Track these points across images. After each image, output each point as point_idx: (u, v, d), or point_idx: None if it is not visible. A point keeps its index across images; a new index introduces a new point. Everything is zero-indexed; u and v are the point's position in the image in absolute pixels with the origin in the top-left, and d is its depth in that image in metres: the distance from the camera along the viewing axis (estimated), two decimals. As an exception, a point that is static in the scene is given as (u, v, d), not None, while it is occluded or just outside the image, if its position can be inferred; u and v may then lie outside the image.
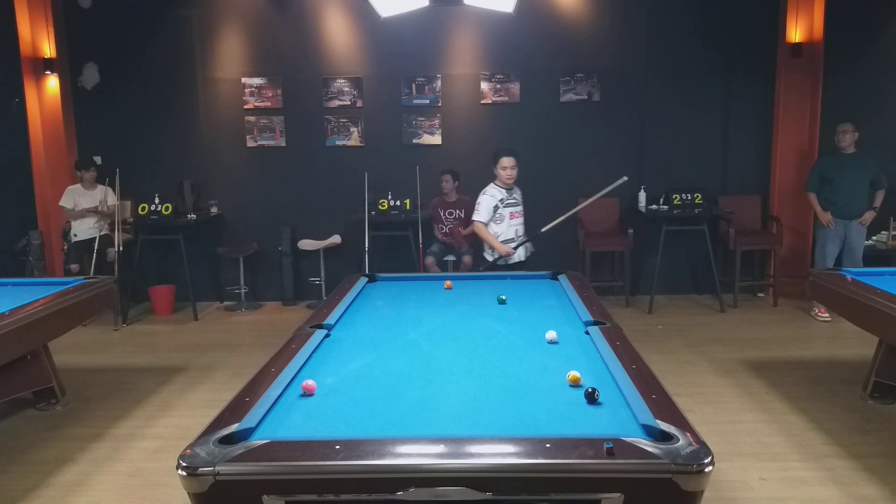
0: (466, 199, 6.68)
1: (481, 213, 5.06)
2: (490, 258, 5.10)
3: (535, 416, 2.24)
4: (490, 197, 5.06)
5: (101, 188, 6.56)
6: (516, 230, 5.10)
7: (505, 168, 5.01)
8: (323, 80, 7.00)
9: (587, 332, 3.16)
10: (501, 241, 5.01)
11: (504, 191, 5.07)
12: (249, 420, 2.15)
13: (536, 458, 1.89)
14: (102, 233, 6.49)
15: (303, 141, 7.09)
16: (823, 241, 6.16)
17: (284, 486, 1.91)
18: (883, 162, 6.16)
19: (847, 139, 6.02)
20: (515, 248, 5.01)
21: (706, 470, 1.84)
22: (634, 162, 7.03)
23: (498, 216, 5.03)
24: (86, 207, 6.44)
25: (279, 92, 7.02)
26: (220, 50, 6.99)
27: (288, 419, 2.25)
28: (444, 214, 6.66)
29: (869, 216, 6.07)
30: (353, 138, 7.09)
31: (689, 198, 6.62)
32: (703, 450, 1.89)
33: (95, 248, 6.36)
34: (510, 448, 1.95)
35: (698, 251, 6.78)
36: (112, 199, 6.59)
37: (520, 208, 5.15)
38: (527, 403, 2.36)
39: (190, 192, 6.84)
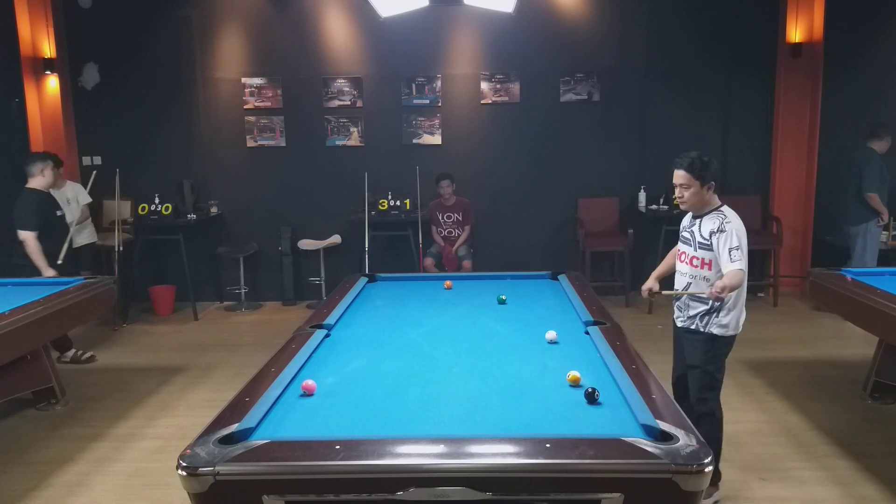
0: (464, 202, 6.68)
1: None
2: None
3: (536, 416, 2.24)
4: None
5: (70, 185, 6.13)
6: (681, 280, 3.29)
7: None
8: (323, 80, 7.00)
9: (587, 332, 3.16)
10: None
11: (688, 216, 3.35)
12: (249, 420, 2.15)
13: (536, 458, 1.89)
14: (89, 241, 6.18)
15: (303, 141, 7.08)
16: (874, 242, 6.06)
17: (284, 486, 1.91)
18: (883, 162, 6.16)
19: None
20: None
21: (706, 470, 1.84)
22: (634, 162, 7.03)
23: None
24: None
25: (279, 92, 7.01)
26: (220, 50, 6.99)
27: (288, 419, 2.25)
28: (443, 217, 6.65)
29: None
30: (353, 138, 7.08)
31: (690, 198, 6.61)
32: (703, 450, 1.90)
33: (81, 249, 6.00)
34: (510, 448, 1.95)
35: (698, 251, 6.76)
36: (84, 196, 6.12)
37: (691, 250, 3.23)
38: (527, 403, 2.36)
39: (190, 192, 6.83)
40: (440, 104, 7.02)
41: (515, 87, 6.97)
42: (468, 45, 6.96)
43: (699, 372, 3.22)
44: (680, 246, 3.36)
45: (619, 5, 6.83)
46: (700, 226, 3.20)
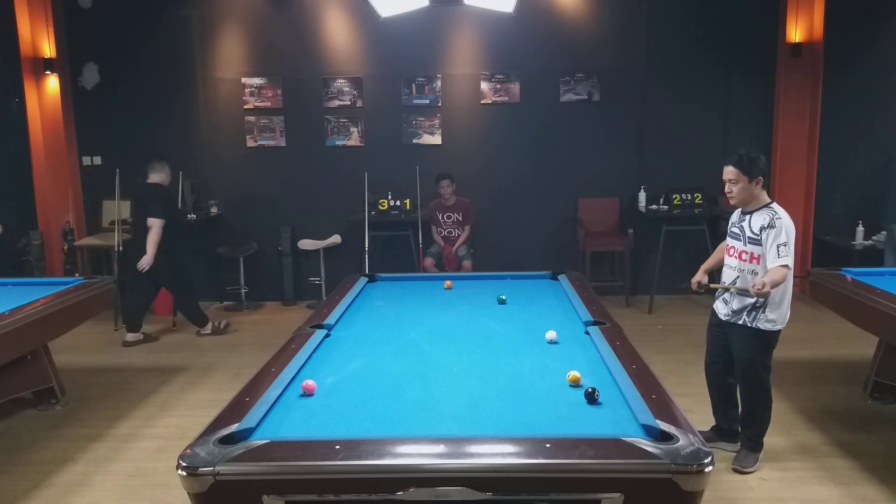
0: (464, 202, 6.68)
1: None
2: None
3: (535, 416, 2.25)
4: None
5: None
6: (729, 274, 3.43)
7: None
8: (323, 80, 7.00)
9: (587, 332, 3.16)
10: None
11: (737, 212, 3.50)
12: (249, 420, 2.15)
13: (536, 458, 1.89)
14: None
15: (303, 141, 7.08)
16: None
17: (284, 486, 1.91)
18: (882, 162, 6.16)
19: None
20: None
21: (706, 470, 1.84)
22: (634, 162, 7.03)
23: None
24: None
25: (279, 92, 7.01)
26: (220, 50, 6.99)
27: (288, 419, 2.25)
28: (443, 217, 6.65)
29: None
30: (353, 138, 7.08)
31: (689, 198, 6.62)
32: (703, 450, 1.90)
33: None
34: (510, 448, 1.95)
35: (698, 251, 6.76)
36: None
37: (741, 245, 3.37)
38: (527, 403, 2.36)
39: (190, 192, 6.83)
40: (440, 104, 7.02)
41: (515, 87, 6.97)
42: (468, 45, 6.96)
43: (751, 364, 3.41)
44: (728, 241, 3.48)
45: (619, 5, 6.83)
46: (750, 221, 3.33)
